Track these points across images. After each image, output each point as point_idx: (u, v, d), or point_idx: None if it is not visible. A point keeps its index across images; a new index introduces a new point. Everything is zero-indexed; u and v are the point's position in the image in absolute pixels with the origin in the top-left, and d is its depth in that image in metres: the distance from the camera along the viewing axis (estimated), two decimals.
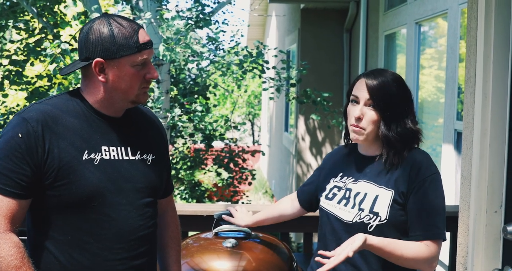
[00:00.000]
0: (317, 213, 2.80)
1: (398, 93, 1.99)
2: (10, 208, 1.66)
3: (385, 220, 1.94)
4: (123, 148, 1.81)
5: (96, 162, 1.74)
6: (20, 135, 1.67)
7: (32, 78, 7.58)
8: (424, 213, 1.93)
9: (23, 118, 1.70)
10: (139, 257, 1.82)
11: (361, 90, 2.00)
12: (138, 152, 1.85)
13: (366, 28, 7.09)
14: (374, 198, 1.97)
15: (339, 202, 2.05)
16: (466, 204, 2.36)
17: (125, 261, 1.79)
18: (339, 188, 2.08)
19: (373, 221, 1.95)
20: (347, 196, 2.04)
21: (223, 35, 8.30)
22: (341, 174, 2.12)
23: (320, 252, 1.81)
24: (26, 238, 1.80)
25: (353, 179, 2.06)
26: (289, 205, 2.40)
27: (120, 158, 1.80)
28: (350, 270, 2.00)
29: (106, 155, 1.77)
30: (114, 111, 1.82)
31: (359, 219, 1.97)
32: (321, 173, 2.25)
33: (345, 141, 2.17)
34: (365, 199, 1.99)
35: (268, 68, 6.64)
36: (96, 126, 1.78)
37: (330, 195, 2.09)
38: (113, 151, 1.79)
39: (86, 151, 1.73)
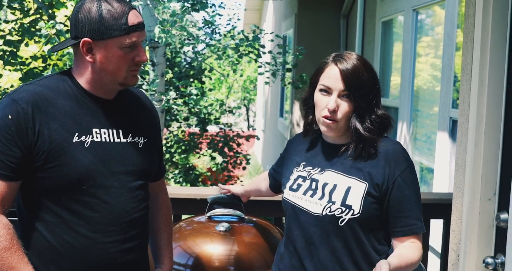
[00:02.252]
0: None
1: (369, 79, 1.84)
2: (0, 189, 1.65)
3: (358, 214, 1.81)
4: (114, 130, 1.80)
5: (87, 144, 1.73)
6: (10, 116, 1.65)
7: (26, 59, 7.51)
8: (407, 207, 1.84)
9: (13, 100, 1.68)
10: (130, 239, 1.82)
11: (334, 79, 1.83)
12: (130, 135, 1.83)
13: (363, 14, 7.05)
14: (346, 189, 1.83)
15: (304, 193, 1.90)
16: (460, 191, 2.36)
17: (116, 244, 1.78)
18: (304, 178, 1.93)
19: (345, 215, 1.81)
20: (313, 186, 1.89)
21: (220, 18, 8.28)
22: (303, 163, 1.97)
23: None
24: (16, 218, 1.79)
25: (319, 169, 1.92)
26: (263, 183, 2.34)
27: (111, 140, 1.78)
28: None
29: (97, 137, 1.75)
30: (105, 92, 1.80)
31: (330, 212, 1.83)
32: (283, 160, 2.13)
33: (305, 131, 2.00)
34: (335, 190, 1.85)
35: (264, 53, 6.61)
36: (87, 108, 1.76)
37: (294, 186, 1.94)
38: (104, 133, 1.77)
39: (77, 133, 1.72)
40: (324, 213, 1.84)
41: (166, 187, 2.14)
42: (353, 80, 1.81)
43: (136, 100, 1.94)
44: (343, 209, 1.82)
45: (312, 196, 1.88)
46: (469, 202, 2.29)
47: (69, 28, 1.79)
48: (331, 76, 1.84)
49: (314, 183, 1.90)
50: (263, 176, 2.37)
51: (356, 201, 1.82)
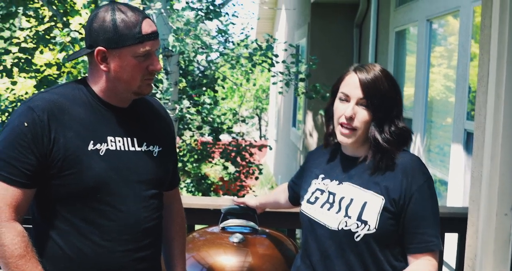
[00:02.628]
0: None
1: (390, 91, 1.83)
2: (15, 197, 1.66)
3: (374, 230, 1.78)
4: (129, 139, 1.80)
5: (101, 153, 1.73)
6: (26, 124, 1.66)
7: (41, 66, 7.57)
8: (424, 224, 1.80)
9: (29, 107, 1.69)
10: (143, 249, 1.81)
11: (352, 87, 1.83)
12: (144, 143, 1.83)
13: (377, 24, 7.04)
14: (363, 204, 1.81)
15: (322, 206, 1.89)
16: (476, 205, 2.34)
17: (129, 253, 1.78)
18: (322, 191, 1.92)
19: (361, 230, 1.79)
20: (330, 200, 1.88)
21: (233, 27, 8.27)
22: (322, 175, 1.95)
23: None
24: (31, 226, 1.79)
25: (337, 182, 1.90)
26: (282, 195, 2.35)
27: (126, 148, 1.78)
28: None
29: (112, 146, 1.76)
30: (119, 101, 1.80)
31: (345, 226, 1.81)
32: (302, 172, 2.13)
33: (326, 142, 1.99)
34: (352, 204, 1.82)
35: (277, 62, 6.61)
36: (102, 116, 1.77)
37: (312, 199, 1.93)
38: (119, 141, 1.77)
39: (92, 141, 1.72)
40: (340, 228, 1.82)
41: (180, 196, 2.13)
42: (372, 89, 1.81)
43: (151, 108, 1.94)
44: (359, 224, 1.80)
45: (329, 209, 1.87)
46: (485, 216, 2.27)
47: (83, 36, 1.80)
48: (350, 84, 1.84)
49: (331, 196, 1.88)
50: (282, 188, 2.37)
51: (372, 217, 1.79)
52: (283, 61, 6.57)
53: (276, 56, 6.63)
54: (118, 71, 1.73)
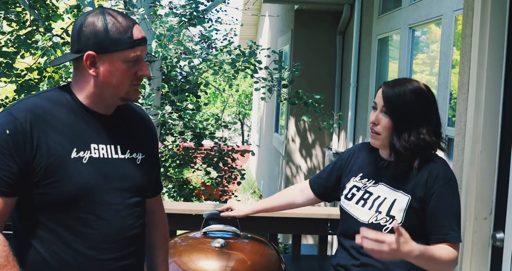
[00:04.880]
0: (304, 214, 2.80)
1: (414, 103, 2.03)
2: None
3: (401, 223, 1.99)
4: (112, 146, 1.78)
5: (84, 160, 1.70)
6: (7, 131, 1.63)
7: (22, 70, 7.51)
8: (443, 218, 1.99)
9: (11, 114, 1.66)
10: (127, 257, 1.79)
11: (378, 97, 2.08)
12: (128, 151, 1.82)
13: (360, 31, 7.09)
14: (392, 202, 2.04)
15: (357, 202, 2.13)
16: None
17: (112, 261, 1.76)
18: (358, 188, 2.15)
19: (389, 224, 2.01)
20: (365, 197, 2.11)
21: (216, 33, 8.28)
22: (361, 174, 2.18)
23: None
24: (11, 232, 1.76)
25: (373, 182, 2.13)
26: (299, 194, 2.46)
27: (110, 156, 1.76)
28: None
29: (95, 153, 1.73)
30: (105, 107, 1.79)
31: (375, 220, 2.04)
32: (340, 168, 2.30)
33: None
34: (384, 202, 2.06)
35: (260, 68, 6.63)
36: (85, 123, 1.75)
37: (349, 195, 2.16)
38: (102, 149, 1.75)
39: (75, 149, 1.70)
40: (370, 221, 2.06)
41: (163, 203, 2.12)
42: (393, 99, 2.03)
43: (134, 115, 1.93)
44: (387, 218, 2.03)
45: (363, 206, 2.11)
46: (465, 221, 2.29)
47: (65, 40, 1.78)
48: (378, 94, 2.09)
49: (367, 195, 2.12)
50: (296, 189, 2.50)
51: (399, 213, 2.02)
52: (266, 67, 6.59)
53: (259, 62, 6.65)
54: (107, 76, 1.72)
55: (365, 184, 2.15)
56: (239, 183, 9.32)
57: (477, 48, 2.29)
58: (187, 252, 2.38)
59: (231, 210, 2.49)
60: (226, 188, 9.38)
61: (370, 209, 2.08)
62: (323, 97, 6.81)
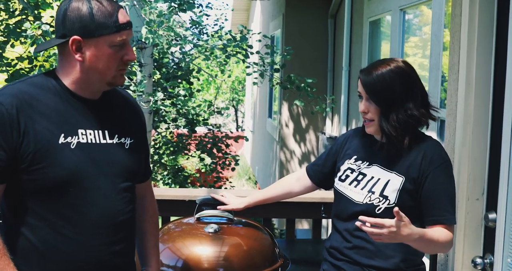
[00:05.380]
0: (297, 199, 2.81)
1: (394, 83, 2.04)
2: None
3: (394, 204, 2.01)
4: (100, 131, 1.77)
5: (72, 146, 1.69)
6: None
7: (12, 60, 7.46)
8: (437, 200, 2.01)
9: None
10: (118, 242, 1.79)
11: (360, 87, 2.10)
12: (116, 135, 1.81)
13: (351, 14, 7.06)
14: (386, 182, 2.06)
15: (350, 183, 2.14)
16: None
17: (104, 247, 1.76)
18: (352, 170, 2.17)
19: (382, 204, 2.04)
20: (359, 178, 2.13)
21: (207, 19, 8.21)
22: (355, 156, 2.19)
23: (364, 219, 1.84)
24: (0, 221, 1.75)
25: (368, 163, 2.14)
26: (296, 183, 2.47)
27: (98, 141, 1.76)
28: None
29: (83, 139, 1.72)
30: (91, 93, 1.77)
31: (369, 200, 2.06)
32: (335, 153, 2.32)
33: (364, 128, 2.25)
34: (377, 183, 2.08)
35: (252, 53, 6.60)
36: (72, 108, 1.74)
37: (343, 177, 2.18)
38: (90, 134, 1.74)
39: (63, 134, 1.69)
40: (364, 201, 2.08)
41: (152, 188, 2.11)
42: (372, 85, 2.05)
43: (121, 100, 1.92)
44: (381, 199, 2.05)
45: (356, 186, 2.13)
46: (458, 202, 2.30)
47: (55, 29, 1.76)
48: (359, 84, 2.11)
49: (361, 176, 2.14)
50: (293, 177, 2.50)
51: (392, 193, 2.04)
52: (257, 52, 6.56)
53: (251, 47, 6.61)
54: (94, 61, 1.71)
55: (359, 165, 2.16)
56: (233, 169, 9.32)
57: (466, 28, 2.28)
58: (181, 238, 2.38)
59: (228, 203, 2.47)
60: (220, 174, 9.38)
61: (362, 189, 2.10)
62: (315, 81, 6.79)
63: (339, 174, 2.22)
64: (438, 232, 1.97)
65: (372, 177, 2.11)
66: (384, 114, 2.05)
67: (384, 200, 2.04)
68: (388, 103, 2.04)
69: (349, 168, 2.19)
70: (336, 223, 2.20)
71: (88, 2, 1.68)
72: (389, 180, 2.06)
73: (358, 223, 1.82)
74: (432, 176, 2.01)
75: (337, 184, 2.22)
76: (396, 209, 1.79)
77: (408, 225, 1.82)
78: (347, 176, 2.18)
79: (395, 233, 1.79)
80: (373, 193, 2.07)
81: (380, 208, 2.04)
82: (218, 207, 2.47)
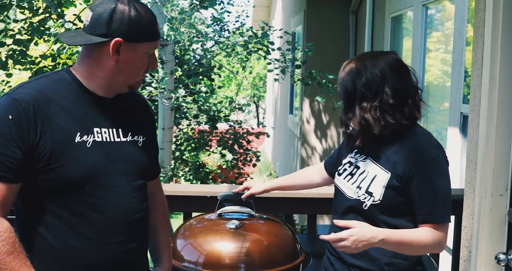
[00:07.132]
0: (319, 194, 2.81)
1: (354, 85, 2.01)
2: (0, 192, 1.60)
3: (379, 201, 1.96)
4: (114, 130, 1.77)
5: (88, 144, 1.70)
6: (10, 117, 1.61)
7: (36, 58, 7.54)
8: (425, 197, 1.93)
9: (13, 99, 1.63)
10: (133, 240, 1.79)
11: None
12: (129, 133, 1.81)
13: (373, 10, 7.02)
14: (373, 177, 2.00)
15: (345, 178, 2.12)
16: (471, 187, 2.34)
17: (119, 245, 1.76)
18: (350, 164, 2.14)
19: (368, 201, 1.99)
20: (353, 172, 2.09)
21: (228, 15, 8.22)
22: (356, 150, 2.16)
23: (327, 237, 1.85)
24: (14, 217, 1.74)
25: (364, 156, 2.10)
26: (317, 174, 2.48)
27: (112, 139, 1.76)
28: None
29: (98, 137, 1.72)
30: (109, 92, 1.78)
31: (357, 196, 2.02)
32: (341, 147, 2.32)
33: None
34: (366, 177, 2.02)
35: (273, 50, 6.60)
36: (87, 107, 1.74)
37: (341, 171, 2.16)
38: (105, 132, 1.74)
39: (79, 133, 1.69)
40: (354, 197, 2.03)
41: (161, 185, 2.12)
42: (340, 91, 2.09)
43: (133, 98, 1.92)
44: (366, 195, 1.99)
45: (348, 180, 2.09)
46: (481, 198, 2.28)
47: (78, 26, 1.77)
48: None
49: (355, 169, 2.09)
50: (315, 168, 2.52)
51: (377, 190, 1.97)
52: (279, 48, 6.55)
53: (272, 43, 6.61)
54: (128, 64, 1.72)
55: (357, 158, 2.12)
56: (254, 165, 9.34)
57: (490, 23, 2.26)
58: (202, 234, 2.39)
59: (248, 190, 2.49)
60: (242, 171, 9.40)
61: (353, 184, 2.06)
62: (337, 77, 6.77)
63: (339, 168, 2.20)
64: (419, 232, 1.91)
65: (364, 171, 2.05)
66: (346, 111, 2.07)
67: (369, 196, 1.98)
68: (352, 104, 2.04)
69: (349, 162, 2.15)
70: (333, 218, 2.16)
71: (134, 7, 1.69)
72: (375, 175, 1.99)
73: (321, 237, 1.84)
74: (419, 173, 1.92)
75: (336, 178, 2.20)
76: (336, 222, 1.86)
77: (366, 227, 1.82)
78: (345, 170, 2.14)
79: (357, 240, 1.79)
80: (360, 188, 2.02)
81: (366, 205, 1.98)
82: (241, 196, 2.48)
